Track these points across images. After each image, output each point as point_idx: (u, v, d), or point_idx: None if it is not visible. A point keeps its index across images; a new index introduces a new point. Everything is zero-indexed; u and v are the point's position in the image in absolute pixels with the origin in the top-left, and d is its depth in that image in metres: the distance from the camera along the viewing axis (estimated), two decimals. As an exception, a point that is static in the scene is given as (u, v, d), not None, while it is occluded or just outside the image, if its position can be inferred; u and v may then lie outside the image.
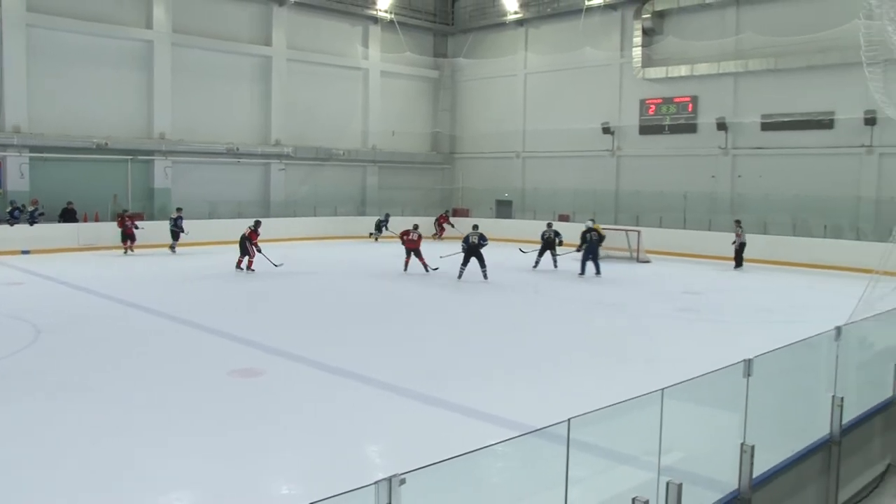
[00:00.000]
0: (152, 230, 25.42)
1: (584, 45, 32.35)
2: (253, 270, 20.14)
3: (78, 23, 26.39)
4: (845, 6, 23.91)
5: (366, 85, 34.99)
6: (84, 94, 26.88)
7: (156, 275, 19.72)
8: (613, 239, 25.38)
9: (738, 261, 23.29)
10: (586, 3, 31.87)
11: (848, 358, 7.71)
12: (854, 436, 7.41)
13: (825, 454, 6.97)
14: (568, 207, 31.79)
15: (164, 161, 28.40)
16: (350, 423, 8.08)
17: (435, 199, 37.11)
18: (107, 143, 26.75)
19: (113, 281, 18.21)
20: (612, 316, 15.30)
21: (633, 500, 4.44)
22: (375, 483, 3.24)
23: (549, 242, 22.70)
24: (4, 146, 24.98)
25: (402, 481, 3.31)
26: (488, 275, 19.49)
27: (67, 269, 19.96)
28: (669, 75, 29.30)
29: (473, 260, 19.49)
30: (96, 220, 26.08)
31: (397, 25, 35.36)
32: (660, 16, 29.91)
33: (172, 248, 24.61)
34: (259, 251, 20.32)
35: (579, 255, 21.90)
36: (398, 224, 28.00)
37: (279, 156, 31.60)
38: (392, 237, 27.48)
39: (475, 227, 20.29)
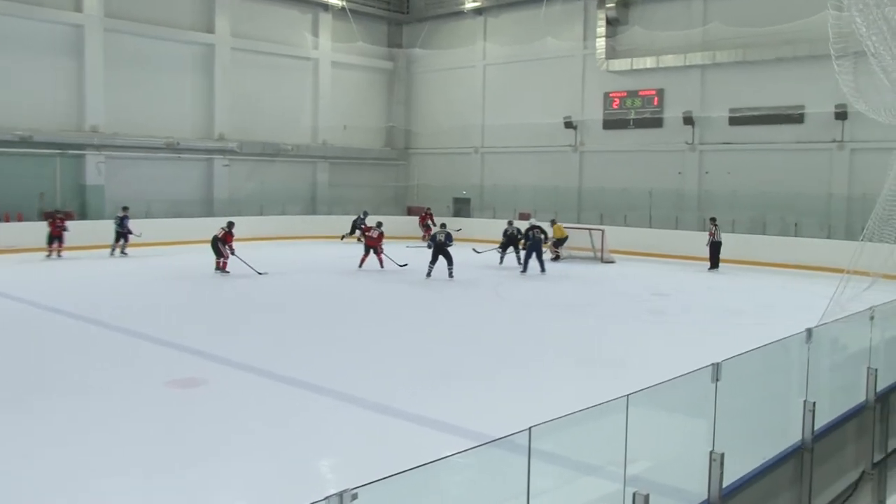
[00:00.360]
0: (84, 231, 24.87)
1: (545, 36, 32.52)
2: (227, 272, 20.01)
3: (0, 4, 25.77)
4: (814, -3, 24.45)
5: (316, 76, 34.75)
6: (6, 83, 26.16)
7: (91, 278, 19.30)
8: (576, 238, 25.60)
9: (714, 261, 23.35)
10: (548, -9, 32.18)
11: (819, 361, 7.80)
12: (827, 442, 7.49)
13: (797, 462, 7.03)
14: (529, 205, 31.92)
15: (96, 156, 27.80)
16: (298, 435, 7.97)
17: (389, 196, 36.99)
18: (31, 136, 26.09)
19: (40, 285, 17.77)
20: (575, 318, 15.35)
21: (599, 512, 4.42)
22: (326, 498, 3.18)
23: (513, 238, 23.06)
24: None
25: (354, 496, 3.25)
26: (454, 273, 20.03)
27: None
28: (634, 67, 29.61)
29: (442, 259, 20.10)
30: (19, 220, 25.42)
31: (349, 13, 35.18)
32: (624, 5, 30.19)
33: (115, 249, 23.98)
34: (233, 253, 20.18)
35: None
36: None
37: (223, 151, 31.21)
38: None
39: (443, 225, 21.21)
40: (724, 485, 5.76)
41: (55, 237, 23.12)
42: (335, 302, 16.91)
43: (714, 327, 14.55)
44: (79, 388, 9.59)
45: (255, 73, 32.44)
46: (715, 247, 23.31)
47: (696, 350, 11.79)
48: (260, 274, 19.99)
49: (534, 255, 21.97)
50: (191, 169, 30.71)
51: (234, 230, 20.58)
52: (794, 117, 26.34)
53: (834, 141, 25.57)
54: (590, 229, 26.00)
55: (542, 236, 22.41)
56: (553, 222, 25.67)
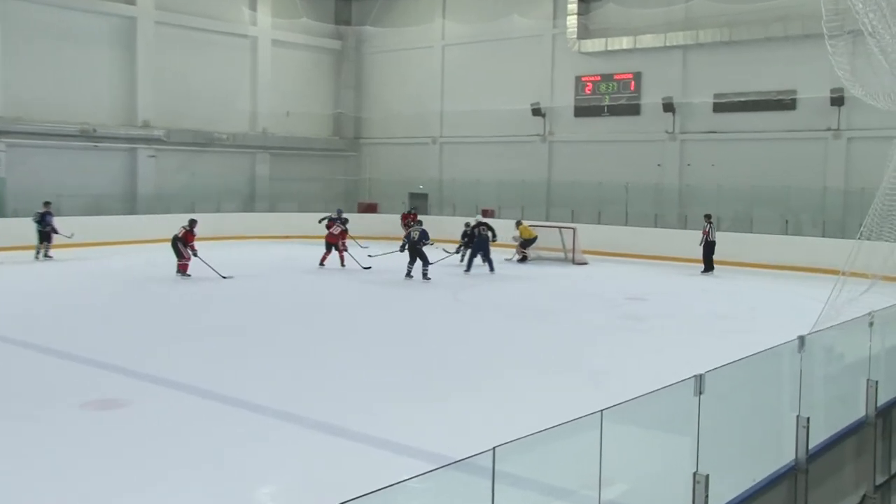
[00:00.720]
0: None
1: (510, 13, 32.62)
2: (188, 276, 20.02)
3: None
4: (805, -30, 24.76)
5: (254, 56, 34.39)
6: None
7: (10, 286, 18.93)
8: (545, 237, 25.64)
9: (708, 263, 23.31)
10: (513, -38, 32.26)
11: (813, 372, 7.83)
12: (823, 462, 7.50)
13: (790, 484, 7.02)
14: (492, 201, 31.94)
15: (-6, 144, 27.20)
16: (235, 460, 7.82)
17: (338, 191, 36.77)
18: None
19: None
20: (544, 326, 15.32)
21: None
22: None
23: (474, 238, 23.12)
24: None
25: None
26: (429, 274, 20.47)
27: None
28: (609, 48, 29.79)
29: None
30: None
31: (291, -15, 35.07)
32: (598, -21, 30.45)
33: (39, 252, 23.33)
34: (195, 255, 20.10)
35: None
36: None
37: (148, 140, 30.71)
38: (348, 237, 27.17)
39: (419, 222, 21.90)
40: (710, 511, 5.72)
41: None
42: (289, 309, 16.76)
43: (697, 335, 14.62)
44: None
45: (184, 52, 31.97)
46: (709, 247, 23.25)
47: (676, 360, 11.80)
48: (224, 278, 19.90)
49: (480, 254, 22.47)
50: (110, 160, 30.16)
51: (196, 229, 20.47)
52: (786, 103, 26.67)
53: (829, 129, 25.92)
54: (560, 227, 26.06)
55: (490, 234, 22.94)
56: (518, 223, 25.72)
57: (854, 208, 23.78)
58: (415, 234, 20.80)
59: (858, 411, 8.65)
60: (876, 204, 14.75)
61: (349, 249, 23.20)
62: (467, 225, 23.94)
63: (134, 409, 9.32)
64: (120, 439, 8.40)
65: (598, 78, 30.67)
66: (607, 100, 30.50)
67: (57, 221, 23.60)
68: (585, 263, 25.21)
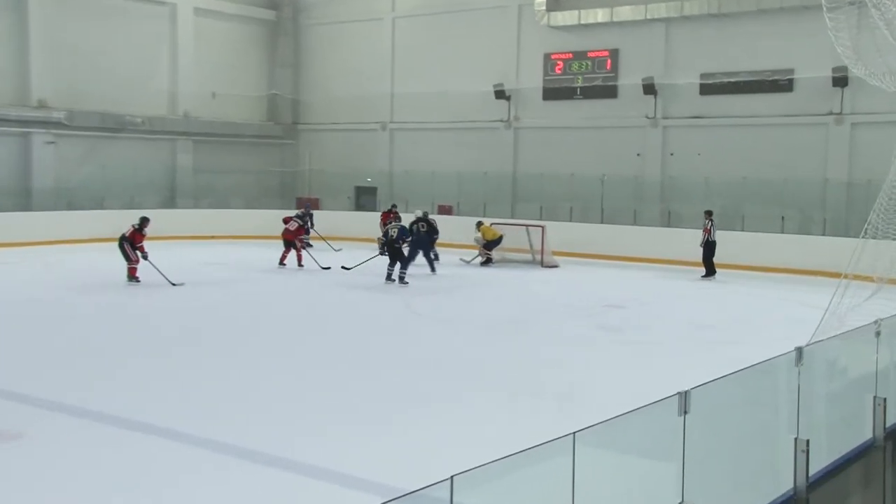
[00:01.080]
0: None
1: (470, -20, 32.72)
2: (137, 280, 19.99)
3: None
4: (803, -70, 25.03)
5: (173, 27, 34.08)
6: None
7: None
8: (510, 237, 25.67)
9: (710, 266, 23.16)
10: (473, -77, 32.30)
11: (813, 389, 7.89)
12: (825, 491, 7.53)
13: (788, 516, 7.06)
14: (451, 196, 31.96)
15: None
16: (155, 498, 7.70)
17: (273, 185, 36.59)
18: None
19: None
20: (508, 338, 15.29)
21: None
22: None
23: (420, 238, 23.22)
24: None
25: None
26: (407, 278, 20.93)
27: None
28: (582, 22, 29.94)
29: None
30: None
31: (217, -54, 34.83)
32: (569, -57, 30.57)
33: None
34: (145, 258, 20.01)
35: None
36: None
37: (45, 123, 30.32)
38: (316, 237, 27.46)
39: (398, 217, 22.42)
40: (697, 548, 5.74)
41: None
42: (230, 320, 16.62)
43: (681, 347, 14.67)
44: None
45: (88, 21, 31.53)
46: (710, 248, 23.16)
47: (658, 376, 11.86)
48: (174, 285, 19.82)
49: (421, 253, 22.90)
50: (-1, 146, 29.70)
51: (146, 229, 20.38)
52: (782, 84, 27.00)
53: (831, 113, 26.26)
54: (527, 226, 26.12)
55: (428, 231, 23.37)
56: (479, 224, 25.73)
57: (858, 203, 23.98)
58: (393, 232, 21.13)
59: (865, 433, 8.72)
60: (882, 198, 14.93)
61: (309, 247, 23.84)
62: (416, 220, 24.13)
63: (28, 443, 9.10)
64: (11, 481, 8.20)
65: (570, 56, 30.80)
66: (580, 81, 30.64)
67: None
68: (556, 266, 25.29)
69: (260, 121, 37.25)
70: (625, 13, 29.10)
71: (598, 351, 14.27)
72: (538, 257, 25.63)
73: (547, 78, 31.30)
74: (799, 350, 7.32)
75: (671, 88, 28.94)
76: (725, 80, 27.86)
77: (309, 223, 27.25)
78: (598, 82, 30.27)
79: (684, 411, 5.69)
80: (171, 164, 34.19)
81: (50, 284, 20.19)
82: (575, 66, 30.75)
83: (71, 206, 29.86)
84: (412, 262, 22.37)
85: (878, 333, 8.89)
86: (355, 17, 35.84)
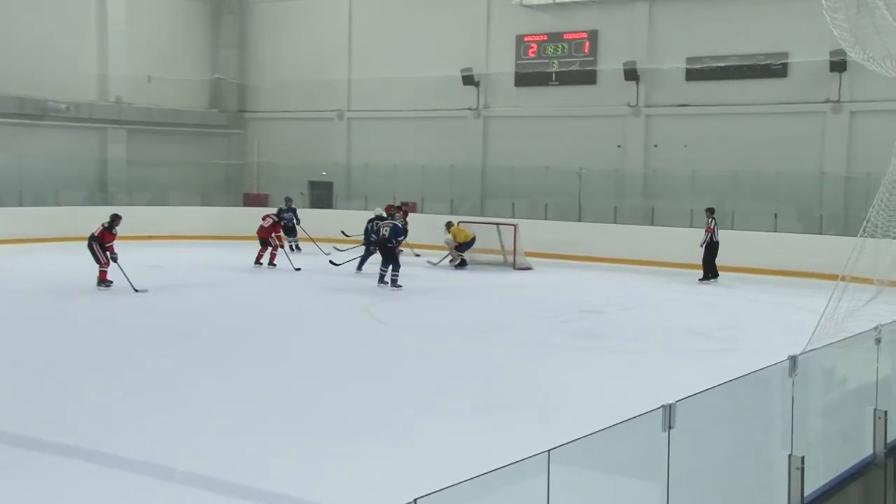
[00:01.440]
0: None
1: (435, -46, 32.71)
2: (109, 285, 20.00)
3: None
4: None
5: (102, 3, 33.79)
6: None
7: None
8: (480, 237, 25.64)
9: (711, 268, 23.14)
10: None
11: (809, 401, 7.92)
12: (822, 512, 7.60)
13: (783, 539, 7.11)
14: (414, 192, 31.91)
15: None
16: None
17: (217, 179, 36.37)
18: None
19: None
20: (477, 348, 15.32)
21: None
22: None
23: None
24: None
25: None
26: (399, 281, 21.06)
27: None
28: (558, 0, 29.99)
29: None
30: None
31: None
32: (543, -87, 30.62)
33: None
34: (114, 260, 19.98)
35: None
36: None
37: (-49, 109, 30.09)
38: (305, 239, 27.58)
39: (392, 215, 22.64)
40: (683, 576, 5.75)
41: None
42: (184, 329, 16.51)
43: (665, 356, 14.75)
44: None
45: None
46: (712, 249, 23.11)
47: (641, 388, 11.89)
48: (137, 292, 19.70)
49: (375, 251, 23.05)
50: None
51: (117, 227, 20.32)
52: (775, 69, 27.19)
53: (828, 101, 26.49)
54: (497, 224, 26.15)
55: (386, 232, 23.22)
56: (450, 224, 25.73)
57: (857, 198, 24.21)
58: (385, 231, 21.21)
59: (864, 449, 8.77)
60: (882, 193, 15.03)
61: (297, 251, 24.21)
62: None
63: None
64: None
65: (545, 38, 30.88)
66: (555, 65, 30.72)
67: None
68: (529, 269, 25.34)
69: (202, 108, 37.05)
70: (605, -9, 29.27)
71: (575, 361, 14.30)
72: (510, 259, 25.65)
73: (519, 62, 31.35)
74: (793, 359, 7.33)
75: (655, 74, 29.07)
76: (714, 64, 28.00)
77: (294, 221, 27.18)
78: (576, 67, 30.35)
79: (669, 426, 5.69)
80: (102, 156, 33.87)
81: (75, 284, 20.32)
82: (550, 49, 30.82)
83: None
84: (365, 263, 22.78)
85: (878, 340, 8.92)
86: (308, -7, 35.85)
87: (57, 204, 31.42)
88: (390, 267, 21.12)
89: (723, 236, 24.70)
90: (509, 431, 10.29)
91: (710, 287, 22.63)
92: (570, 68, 30.45)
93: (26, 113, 31.53)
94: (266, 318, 17.83)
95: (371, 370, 13.67)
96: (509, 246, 25.67)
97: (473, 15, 32.17)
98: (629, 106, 29.46)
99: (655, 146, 29.15)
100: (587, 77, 30.17)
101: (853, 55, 17.66)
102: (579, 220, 28.90)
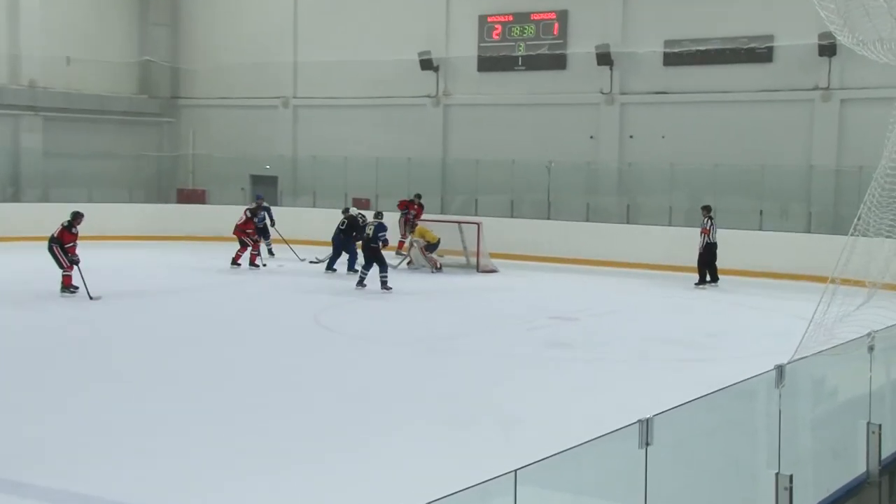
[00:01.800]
0: None
1: (389, -74, 32.73)
2: (74, 290, 20.04)
3: None
4: None
5: (14, -26, 33.49)
6: None
7: None
8: (441, 237, 25.58)
9: (712, 272, 23.11)
10: None
11: (797, 414, 7.99)
12: (812, 535, 7.68)
13: (770, 565, 7.18)
14: (368, 187, 31.86)
15: None
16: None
17: (147, 173, 36.13)
18: None
19: None
20: (437, 358, 15.38)
21: None
22: None
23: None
24: None
25: None
26: (390, 283, 21.48)
27: None
28: (524, -23, 30.12)
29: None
30: None
31: None
32: None
33: None
34: (75, 263, 19.99)
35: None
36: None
37: None
38: (278, 240, 27.48)
39: (378, 214, 22.82)
40: None
41: None
42: (120, 340, 16.53)
43: (642, 366, 14.85)
44: None
45: None
46: (710, 251, 23.09)
47: (616, 401, 11.96)
48: (91, 299, 19.70)
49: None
50: None
51: (77, 226, 20.29)
52: (760, 53, 27.39)
53: (817, 88, 26.72)
54: (459, 223, 26.18)
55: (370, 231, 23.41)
56: (413, 225, 25.72)
57: (848, 193, 24.36)
58: (370, 230, 21.53)
59: (857, 467, 8.85)
60: (874, 188, 15.18)
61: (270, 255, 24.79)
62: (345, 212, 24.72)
63: None
64: None
65: (510, 18, 30.93)
66: (522, 48, 30.79)
67: None
68: (494, 271, 25.39)
69: (130, 93, 36.74)
70: (575, -33, 29.41)
71: (544, 372, 14.35)
72: (473, 260, 25.68)
73: (482, 45, 31.38)
74: (780, 368, 7.36)
75: (630, 58, 29.19)
76: (694, 48, 28.15)
77: (268, 221, 26.84)
78: (544, 50, 30.42)
79: (646, 442, 5.70)
80: (13, 147, 33.36)
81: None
82: (516, 30, 30.88)
83: None
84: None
85: (871, 348, 8.98)
86: (249, -32, 35.77)
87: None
88: (368, 268, 21.52)
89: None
90: (472, 450, 10.28)
91: (685, 290, 22.75)
92: (538, 52, 30.50)
93: (-76, 98, 31.37)
94: (200, 327, 17.70)
95: (316, 386, 13.59)
96: (472, 247, 25.68)
97: (432, -8, 32.28)
98: (602, 93, 29.57)
99: (631, 137, 29.26)
100: (556, 62, 30.24)
101: (841, 38, 17.78)
102: (548, 219, 28.97)
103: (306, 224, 29.17)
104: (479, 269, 25.44)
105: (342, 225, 24.24)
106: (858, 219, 14.56)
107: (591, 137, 29.75)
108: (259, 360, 15.08)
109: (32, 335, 16.79)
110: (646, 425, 5.73)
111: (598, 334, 17.47)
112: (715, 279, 23.16)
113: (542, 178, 29.54)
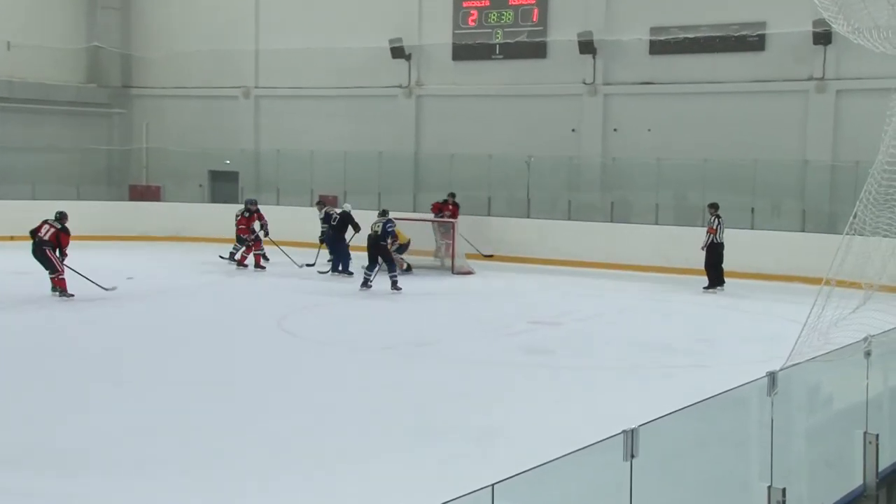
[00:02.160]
0: None
1: None
2: (71, 296, 20.16)
3: None
4: None
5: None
6: None
7: None
8: (413, 236, 25.55)
9: (718, 274, 23.05)
10: None
11: (790, 423, 8.05)
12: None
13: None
14: (335, 183, 31.84)
15: None
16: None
17: (97, 167, 35.95)
18: None
19: None
20: (409, 365, 15.39)
21: None
22: None
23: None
24: None
25: None
26: (400, 283, 22.00)
27: None
28: (501, -41, 30.16)
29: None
30: None
31: None
32: None
33: None
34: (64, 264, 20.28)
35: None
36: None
37: None
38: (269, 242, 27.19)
39: (384, 212, 23.33)
40: None
41: None
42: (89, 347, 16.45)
43: (628, 374, 14.90)
44: None
45: None
46: (716, 251, 23.01)
47: (599, 411, 12.00)
48: (107, 290, 20.38)
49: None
50: None
51: (66, 224, 20.50)
52: (752, 41, 27.45)
53: (811, 78, 26.83)
54: (433, 222, 26.19)
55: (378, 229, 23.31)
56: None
57: (844, 189, 24.39)
58: (377, 228, 21.88)
59: (853, 479, 8.91)
60: (871, 184, 15.26)
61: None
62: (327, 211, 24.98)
63: None
64: None
65: (487, 3, 30.93)
66: (499, 36, 30.81)
67: None
68: (470, 273, 25.44)
69: (77, 82, 36.56)
70: (555, -51, 29.47)
71: (523, 379, 14.36)
72: (447, 262, 25.77)
73: (458, 32, 31.40)
74: (772, 375, 7.42)
75: (614, 46, 29.23)
76: (682, 36, 28.17)
77: (260, 222, 26.28)
78: (523, 38, 30.44)
79: (631, 455, 5.73)
80: (-53, 139, 33.29)
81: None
82: (493, 17, 30.91)
83: None
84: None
85: (868, 353, 9.05)
86: (207, -52, 35.68)
87: None
88: (373, 268, 21.84)
89: (691, 235, 24.79)
90: (447, 463, 10.31)
91: (672, 294, 22.83)
92: (517, 39, 30.51)
93: None
94: (180, 333, 17.67)
95: (271, 394, 13.57)
96: (446, 247, 25.73)
97: (403, -24, 32.30)
98: (585, 84, 29.63)
99: (615, 130, 29.30)
100: (536, 50, 30.28)
101: (836, 26, 17.87)
102: (528, 217, 29.02)
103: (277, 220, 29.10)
104: (454, 270, 25.51)
105: (333, 221, 24.26)
106: (854, 216, 14.66)
107: (573, 130, 29.79)
108: (224, 365, 15.09)
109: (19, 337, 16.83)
110: (631, 436, 5.76)
111: (582, 340, 17.54)
112: (720, 283, 23.13)
113: (521, 174, 29.57)
